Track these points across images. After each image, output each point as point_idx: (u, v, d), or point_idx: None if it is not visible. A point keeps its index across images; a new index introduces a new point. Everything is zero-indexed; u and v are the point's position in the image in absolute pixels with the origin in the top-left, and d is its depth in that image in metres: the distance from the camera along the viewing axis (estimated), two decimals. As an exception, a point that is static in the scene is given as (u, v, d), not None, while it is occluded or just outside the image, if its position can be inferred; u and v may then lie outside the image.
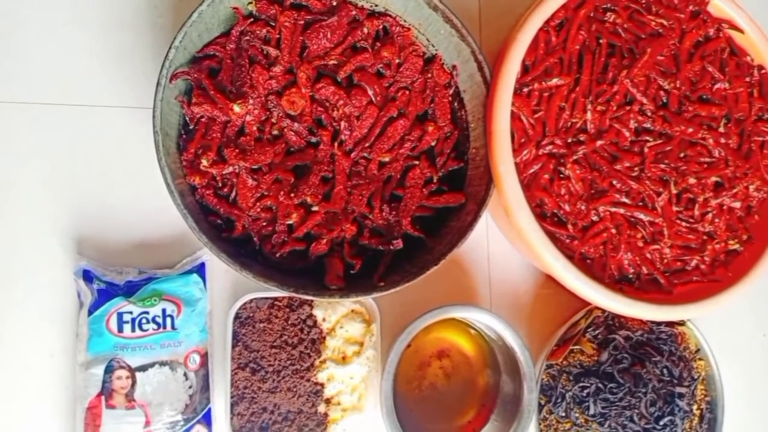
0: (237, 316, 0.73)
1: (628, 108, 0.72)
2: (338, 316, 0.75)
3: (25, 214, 0.74)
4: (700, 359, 0.80)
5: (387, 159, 0.73)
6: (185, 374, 0.69)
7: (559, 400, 0.76)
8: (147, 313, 0.68)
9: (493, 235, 0.83)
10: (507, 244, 0.83)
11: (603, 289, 0.68)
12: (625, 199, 0.71)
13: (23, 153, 0.74)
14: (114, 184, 0.75)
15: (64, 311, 0.72)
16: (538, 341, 0.80)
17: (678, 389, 0.75)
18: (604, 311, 0.78)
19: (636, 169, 0.71)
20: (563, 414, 0.75)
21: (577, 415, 0.75)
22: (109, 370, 0.67)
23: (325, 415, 0.73)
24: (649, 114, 0.72)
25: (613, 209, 0.71)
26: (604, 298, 0.68)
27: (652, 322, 0.79)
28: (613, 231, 0.72)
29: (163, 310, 0.69)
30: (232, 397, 0.71)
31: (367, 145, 0.72)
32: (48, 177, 0.74)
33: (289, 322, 0.74)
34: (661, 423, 0.73)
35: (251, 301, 0.73)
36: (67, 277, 0.72)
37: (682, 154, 0.73)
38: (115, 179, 0.75)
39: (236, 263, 0.64)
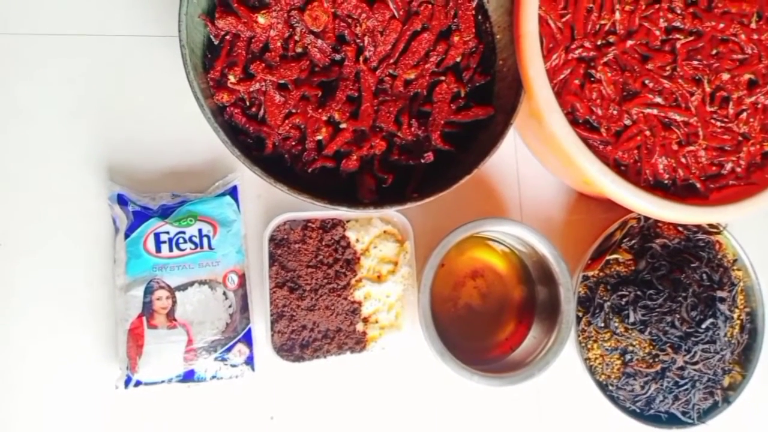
0: (272, 238, 0.73)
1: (656, 6, 0.70)
2: (371, 237, 0.74)
3: (56, 146, 0.73)
4: (738, 269, 0.79)
5: (413, 76, 0.72)
6: (224, 293, 0.69)
7: (597, 311, 0.75)
8: (183, 233, 0.68)
9: (522, 156, 0.82)
10: (537, 166, 0.82)
11: (640, 191, 0.66)
12: (658, 99, 0.70)
13: (52, 85, 0.74)
14: (143, 113, 0.75)
15: (99, 240, 0.72)
16: (571, 261, 0.79)
17: (719, 293, 0.73)
18: (639, 221, 0.77)
19: (668, 68, 0.70)
20: (602, 324, 0.75)
21: (616, 324, 0.74)
22: (148, 291, 0.67)
23: (364, 333, 0.73)
24: (679, 11, 0.70)
25: (647, 110, 0.70)
26: (642, 201, 0.66)
27: (688, 230, 0.78)
28: (647, 133, 0.70)
29: (200, 230, 0.69)
30: (271, 315, 0.71)
31: (392, 61, 0.71)
32: (77, 108, 0.74)
33: (323, 243, 0.73)
34: (704, 326, 0.72)
35: (285, 223, 0.73)
36: (100, 207, 0.72)
37: (714, 51, 0.71)
38: (144, 109, 0.75)
39: (270, 176, 0.63)
